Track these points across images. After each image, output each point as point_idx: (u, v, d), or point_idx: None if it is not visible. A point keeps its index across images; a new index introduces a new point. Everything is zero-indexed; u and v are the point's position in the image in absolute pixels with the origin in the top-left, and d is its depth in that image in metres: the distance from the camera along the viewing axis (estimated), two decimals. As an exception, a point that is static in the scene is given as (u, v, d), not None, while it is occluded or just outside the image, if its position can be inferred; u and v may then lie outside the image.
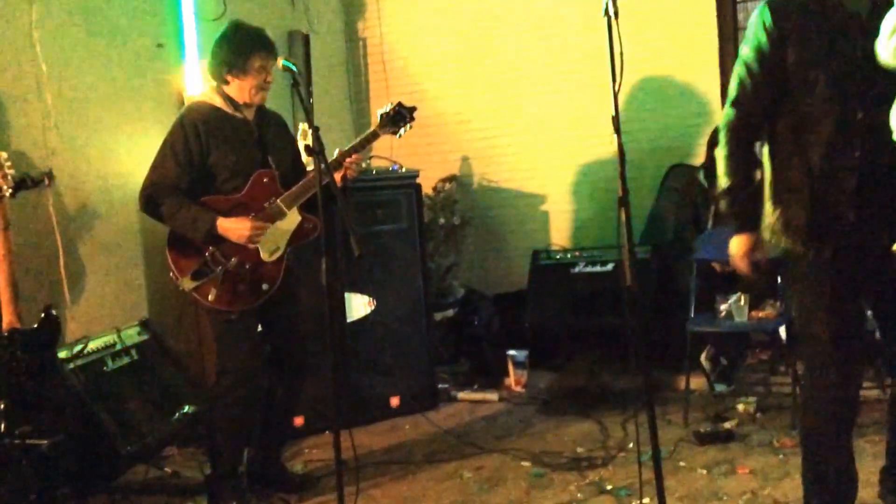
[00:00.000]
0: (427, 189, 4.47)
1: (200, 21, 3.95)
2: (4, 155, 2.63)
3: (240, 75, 2.70)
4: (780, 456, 2.92)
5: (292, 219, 2.75)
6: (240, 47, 2.69)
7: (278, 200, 2.73)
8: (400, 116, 2.85)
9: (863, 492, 2.24)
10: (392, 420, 3.69)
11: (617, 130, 2.14)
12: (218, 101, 2.74)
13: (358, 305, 3.67)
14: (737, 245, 2.15)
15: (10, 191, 2.53)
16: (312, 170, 2.66)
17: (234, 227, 2.64)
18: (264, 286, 2.73)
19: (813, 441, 2.16)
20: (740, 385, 3.72)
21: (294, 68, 2.51)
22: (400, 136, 2.90)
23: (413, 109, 2.88)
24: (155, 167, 2.69)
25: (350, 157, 2.77)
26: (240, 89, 2.72)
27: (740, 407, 3.45)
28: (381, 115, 2.85)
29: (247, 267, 2.70)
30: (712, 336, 3.64)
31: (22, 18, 3.16)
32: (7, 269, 2.60)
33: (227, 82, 2.72)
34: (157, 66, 3.77)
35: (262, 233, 2.69)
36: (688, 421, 3.33)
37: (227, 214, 2.67)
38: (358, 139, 2.84)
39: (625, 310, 2.16)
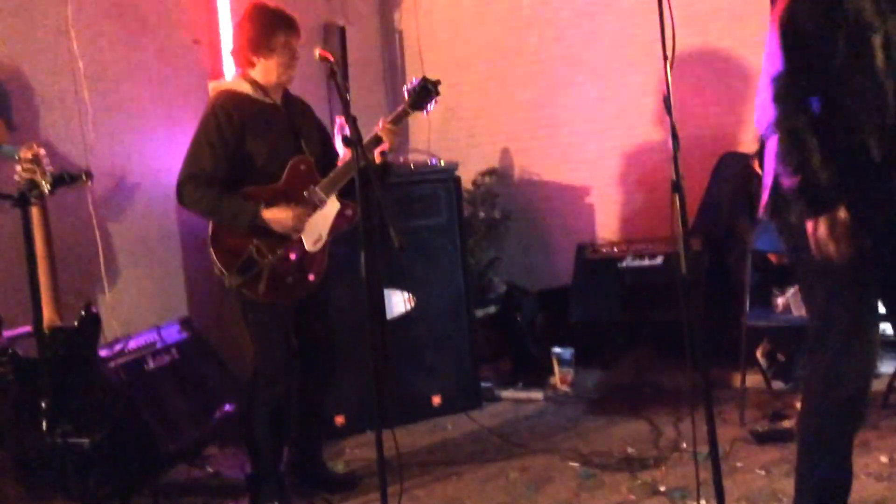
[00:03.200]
0: (466, 183, 4.38)
1: (236, 16, 3.93)
2: (43, 151, 2.63)
3: (266, 54, 2.67)
4: (846, 456, 2.78)
5: (332, 206, 2.71)
6: (262, 26, 2.67)
7: (317, 188, 2.69)
8: (426, 91, 2.79)
9: (866, 482, 2.18)
10: (434, 419, 3.62)
11: (669, 111, 2.02)
12: (246, 88, 2.70)
13: (397, 302, 3.62)
14: (834, 224, 1.85)
15: (49, 187, 2.53)
16: (349, 155, 2.62)
17: (277, 217, 2.61)
18: (311, 276, 2.70)
19: (816, 440, 2.01)
20: (799, 382, 3.54)
21: (331, 57, 2.46)
22: (428, 112, 2.83)
23: (437, 83, 2.81)
24: (190, 159, 2.66)
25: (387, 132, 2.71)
26: (266, 70, 2.69)
27: (799, 405, 3.30)
28: (408, 91, 2.79)
29: (292, 258, 2.66)
30: (769, 331, 3.51)
31: (58, 17, 3.18)
32: (47, 267, 2.60)
33: (253, 65, 2.70)
34: (194, 62, 3.76)
35: (305, 221, 2.65)
36: (744, 420, 3.21)
37: (268, 205, 2.63)
38: (390, 116, 2.78)
39: (681, 301, 2.03)
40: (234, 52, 2.75)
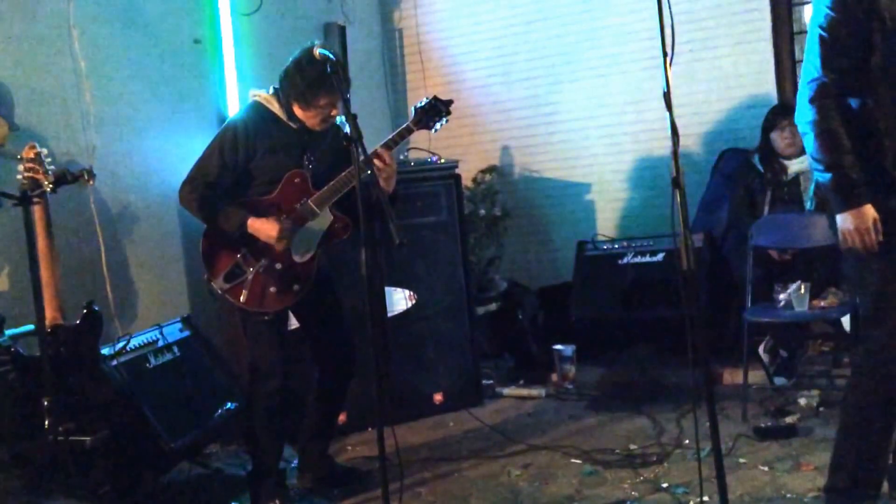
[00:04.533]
0: (467, 180, 4.40)
1: (237, 16, 3.94)
2: (45, 151, 2.64)
3: (304, 107, 2.66)
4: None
5: (324, 219, 2.70)
6: (310, 83, 2.59)
7: (309, 201, 2.69)
8: (435, 111, 2.76)
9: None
10: (436, 416, 3.63)
11: (668, 107, 2.04)
12: (275, 108, 2.71)
13: (398, 300, 3.62)
14: (860, 219, 2.01)
15: (51, 186, 2.53)
16: (347, 170, 2.60)
17: (263, 228, 2.61)
18: (295, 287, 2.69)
19: (859, 419, 2.11)
20: (801, 378, 3.57)
21: (332, 56, 2.46)
22: (435, 130, 2.81)
23: (449, 103, 2.78)
24: (200, 161, 2.69)
25: (381, 153, 2.63)
26: (303, 117, 2.69)
27: (802, 401, 3.30)
28: (416, 110, 2.77)
29: (277, 268, 2.67)
30: (771, 327, 3.49)
31: (60, 17, 3.19)
32: (50, 266, 2.61)
33: (291, 105, 2.68)
34: (195, 62, 3.77)
35: (292, 234, 2.65)
36: (746, 416, 3.21)
37: (258, 215, 2.63)
38: (390, 135, 2.75)
39: (682, 296, 2.05)
40: (279, 85, 2.69)
